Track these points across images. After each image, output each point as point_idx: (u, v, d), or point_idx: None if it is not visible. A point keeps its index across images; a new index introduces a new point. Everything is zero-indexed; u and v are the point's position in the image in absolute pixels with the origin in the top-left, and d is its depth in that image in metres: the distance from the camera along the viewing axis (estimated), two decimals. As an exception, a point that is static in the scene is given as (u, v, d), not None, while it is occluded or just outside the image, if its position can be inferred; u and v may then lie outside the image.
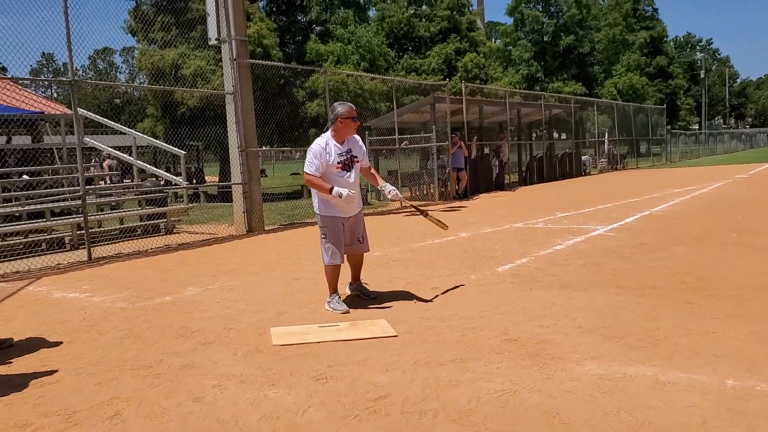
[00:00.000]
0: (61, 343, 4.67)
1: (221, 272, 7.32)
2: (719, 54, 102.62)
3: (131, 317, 5.37)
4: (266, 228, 11.37)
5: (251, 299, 5.84)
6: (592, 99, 31.99)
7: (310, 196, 19.85)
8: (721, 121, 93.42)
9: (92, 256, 8.52)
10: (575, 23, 51.69)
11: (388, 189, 5.52)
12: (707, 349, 3.86)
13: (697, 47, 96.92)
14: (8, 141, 14.27)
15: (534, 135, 24.61)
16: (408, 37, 32.44)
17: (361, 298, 5.62)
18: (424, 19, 32.66)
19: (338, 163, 5.29)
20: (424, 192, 16.83)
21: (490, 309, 5.07)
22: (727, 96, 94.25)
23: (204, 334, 4.75)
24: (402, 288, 5.96)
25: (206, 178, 27.84)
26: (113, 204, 11.55)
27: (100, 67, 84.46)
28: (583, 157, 26.19)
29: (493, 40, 58.99)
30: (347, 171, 5.34)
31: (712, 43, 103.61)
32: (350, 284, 5.82)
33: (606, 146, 29.46)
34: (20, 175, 11.25)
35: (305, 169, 5.27)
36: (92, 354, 4.37)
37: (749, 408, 2.99)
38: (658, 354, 3.82)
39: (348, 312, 5.18)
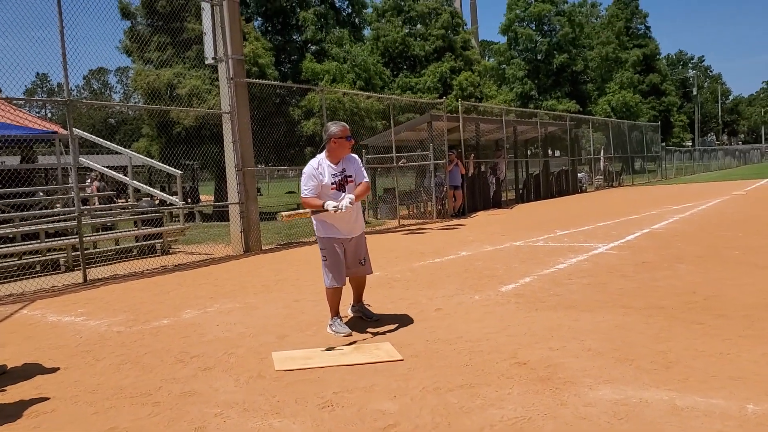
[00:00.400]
0: (57, 369, 4.54)
1: (219, 294, 7.19)
2: (711, 71, 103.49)
3: (128, 342, 5.24)
4: (263, 248, 11.25)
5: (251, 322, 5.71)
6: (587, 116, 32.10)
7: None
8: (714, 137, 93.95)
9: (87, 278, 8.38)
10: (568, 42, 51.99)
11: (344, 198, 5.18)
12: (722, 371, 3.75)
13: (689, 64, 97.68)
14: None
15: (529, 152, 24.59)
16: (403, 56, 32.53)
17: (364, 321, 5.50)
18: (418, 38, 32.79)
19: (332, 183, 5.18)
20: (422, 210, 16.75)
21: (497, 331, 4.96)
22: (719, 112, 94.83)
23: (204, 359, 4.62)
24: (405, 309, 5.85)
25: (201, 197, 27.73)
26: (108, 224, 11.41)
27: (95, 87, 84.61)
28: (579, 174, 26.19)
29: (487, 58, 59.24)
30: (342, 191, 5.22)
31: (704, 60, 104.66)
32: (352, 306, 5.71)
33: (602, 163, 29.49)
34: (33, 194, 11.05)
35: (301, 194, 5.19)
36: (89, 381, 4.24)
37: (774, 435, 2.89)
38: (673, 377, 3.72)
39: (350, 335, 5.07)
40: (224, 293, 7.22)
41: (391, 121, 15.32)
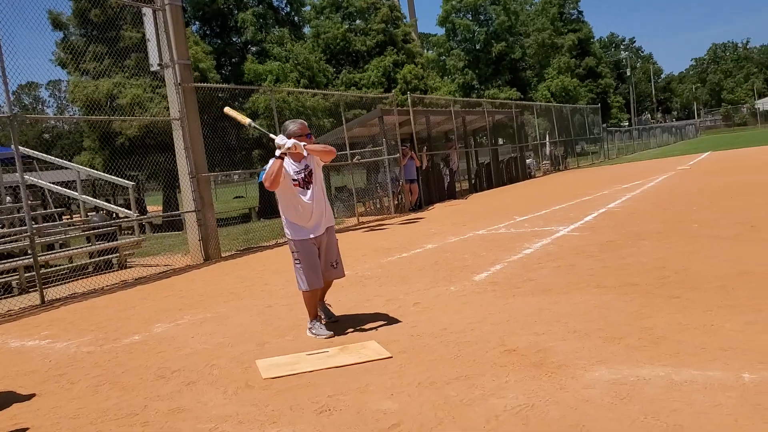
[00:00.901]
0: (31, 396, 4.33)
1: (187, 305, 7.01)
2: (642, 52, 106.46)
3: (102, 362, 5.04)
4: (223, 255, 11.03)
5: (227, 332, 5.57)
6: (531, 103, 32.58)
7: (259, 218, 19.50)
8: (649, 116, 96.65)
9: (45, 299, 8.06)
10: (505, 30, 52.73)
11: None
12: (711, 343, 3.81)
13: (621, 46, 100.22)
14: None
15: (474, 142, 24.79)
16: (345, 52, 32.38)
17: (341, 321, 5.40)
18: (359, 34, 32.71)
19: (294, 180, 5.08)
20: (379, 206, 16.72)
21: (479, 320, 4.95)
22: (653, 91, 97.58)
23: (185, 373, 4.47)
24: (383, 306, 5.79)
25: (147, 208, 27.09)
26: (60, 242, 11.01)
27: (26, 102, 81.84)
28: (527, 161, 26.56)
29: (426, 51, 59.61)
30: (306, 189, 5.13)
31: (635, 41, 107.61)
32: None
33: (548, 148, 29.97)
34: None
35: (264, 181, 5.03)
36: (68, 406, 4.06)
37: (775, 402, 2.94)
38: (664, 353, 3.76)
39: (333, 336, 4.98)
40: (192, 304, 7.03)
41: (343, 118, 15.22)
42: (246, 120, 5.39)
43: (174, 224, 19.97)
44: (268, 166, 5.02)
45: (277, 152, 4.92)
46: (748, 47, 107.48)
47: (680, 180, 16.31)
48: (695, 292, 4.99)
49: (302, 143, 4.97)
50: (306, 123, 5.24)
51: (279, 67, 25.64)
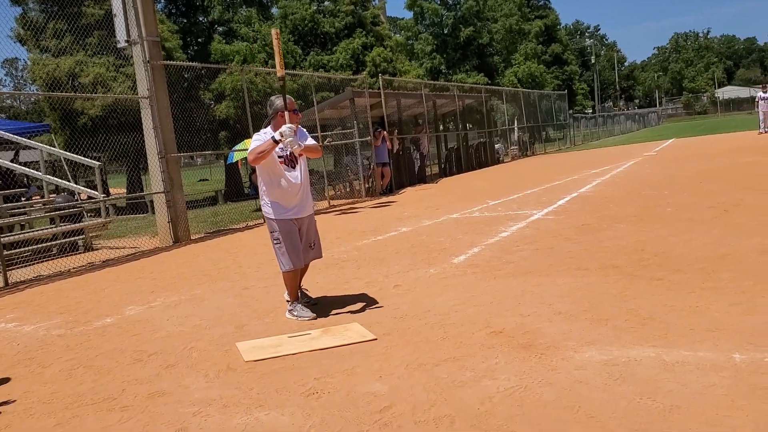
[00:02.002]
0: (2, 380, 4.15)
1: (159, 287, 6.83)
2: (607, 39, 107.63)
3: (73, 345, 4.87)
4: (192, 237, 10.82)
5: (204, 314, 5.43)
6: (500, 88, 32.65)
7: (226, 201, 19.16)
8: (611, 104, 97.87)
9: (9, 281, 7.79)
10: (473, 15, 52.63)
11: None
12: (698, 324, 3.82)
13: (586, 34, 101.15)
14: None
15: (444, 126, 24.77)
16: (313, 34, 31.93)
17: (322, 303, 5.30)
18: (328, 15, 32.29)
19: (280, 158, 4.95)
20: (350, 189, 16.59)
21: (462, 302, 4.90)
22: (616, 79, 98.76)
23: (163, 356, 4.34)
24: (363, 288, 5.71)
25: (110, 189, 26.50)
26: (22, 223, 10.67)
27: (-20, 80, 79.38)
28: (496, 146, 26.63)
29: (395, 34, 59.34)
30: (292, 168, 5.02)
31: (599, 29, 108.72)
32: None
33: (516, 134, 30.10)
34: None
35: (248, 154, 4.89)
36: (40, 390, 3.90)
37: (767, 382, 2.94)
38: (652, 334, 3.75)
39: (315, 318, 4.89)
40: (165, 286, 6.86)
41: (314, 100, 15.02)
42: (281, 72, 5.06)
43: (139, 207, 19.57)
44: (255, 143, 4.87)
45: (276, 136, 4.74)
46: (708, 37, 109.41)
47: (648, 166, 16.50)
48: (678, 275, 5.00)
49: (297, 143, 4.82)
50: (293, 99, 5.09)
51: (246, 48, 25.22)
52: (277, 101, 4.97)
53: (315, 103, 14.82)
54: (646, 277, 5.06)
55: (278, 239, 5.04)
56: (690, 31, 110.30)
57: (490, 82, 47.28)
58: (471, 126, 26.41)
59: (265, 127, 5.08)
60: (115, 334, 5.05)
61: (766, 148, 17.20)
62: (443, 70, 52.51)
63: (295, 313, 4.98)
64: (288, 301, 5.14)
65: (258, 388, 3.56)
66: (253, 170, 16.87)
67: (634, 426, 2.66)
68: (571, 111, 44.73)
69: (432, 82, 30.89)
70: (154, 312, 5.69)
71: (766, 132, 23.28)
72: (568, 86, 56.29)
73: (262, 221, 12.36)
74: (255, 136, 5.01)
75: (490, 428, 2.79)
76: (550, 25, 60.97)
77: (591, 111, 66.67)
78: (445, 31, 53.54)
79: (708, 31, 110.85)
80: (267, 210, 5.09)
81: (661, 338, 3.66)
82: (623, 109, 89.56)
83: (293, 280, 5.08)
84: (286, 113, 4.86)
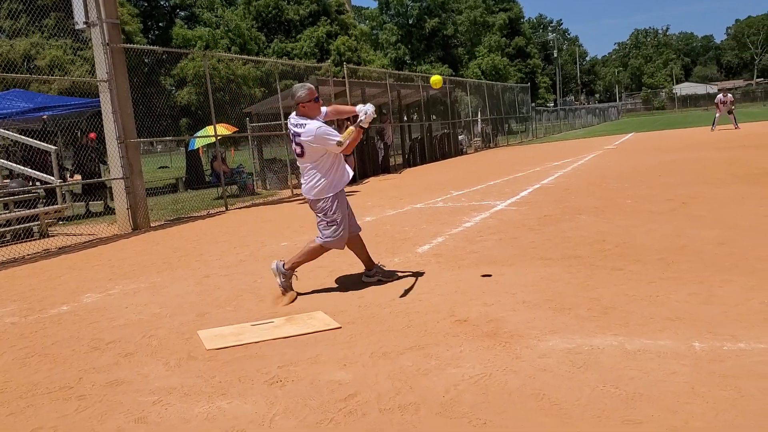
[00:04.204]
0: (-50, 370, 4.00)
1: (118, 275, 6.68)
2: (569, 34, 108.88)
3: (28, 333, 4.72)
4: (152, 225, 10.62)
5: (163, 302, 5.33)
6: (464, 79, 32.77)
7: (187, 189, 18.79)
8: (573, 98, 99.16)
9: (-41, 268, 7.54)
10: (438, 6, 52.76)
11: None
12: (658, 313, 3.87)
13: (549, 28, 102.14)
14: None
15: (408, 117, 24.78)
16: (277, 21, 31.63)
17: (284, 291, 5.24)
18: (292, 2, 32.00)
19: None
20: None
21: (427, 291, 4.90)
22: (578, 73, 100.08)
23: (122, 344, 4.24)
24: (327, 277, 5.67)
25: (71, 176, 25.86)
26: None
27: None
28: (459, 137, 26.75)
29: (360, 23, 59.12)
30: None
31: (562, 23, 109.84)
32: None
33: (479, 125, 30.28)
34: None
35: (338, 144, 4.84)
36: (-8, 380, 3.77)
37: (729, 370, 2.99)
38: (614, 322, 3.79)
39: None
40: (123, 274, 6.72)
41: (278, 87, 14.85)
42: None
43: (95, 193, 19.13)
44: (330, 135, 4.90)
45: (361, 118, 5.02)
46: (667, 34, 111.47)
47: (608, 159, 16.75)
48: (637, 265, 5.08)
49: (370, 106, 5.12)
50: (312, 87, 5.10)
51: (209, 33, 24.87)
52: (301, 91, 4.98)
53: (279, 91, 14.65)
54: (607, 267, 5.12)
55: (337, 218, 5.03)
56: (650, 27, 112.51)
57: (454, 73, 47.48)
58: (435, 117, 26.49)
59: (298, 117, 5.02)
60: (71, 322, 4.92)
61: (720, 144, 17.60)
62: (408, 61, 52.56)
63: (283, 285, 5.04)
64: (284, 267, 5.05)
65: (220, 377, 3.50)
66: (215, 158, 16.64)
67: (597, 413, 2.68)
68: (533, 104, 45.17)
69: (397, 72, 30.86)
70: (112, 300, 5.57)
71: (737, 128, 23.73)
72: (530, 79, 56.85)
73: (224, 209, 12.22)
74: (318, 123, 4.95)
75: (456, 416, 2.79)
76: (513, 18, 61.47)
77: (553, 104, 67.48)
78: (410, 22, 53.57)
79: (667, 28, 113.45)
80: (327, 189, 5.00)
81: (623, 327, 3.70)
82: (584, 103, 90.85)
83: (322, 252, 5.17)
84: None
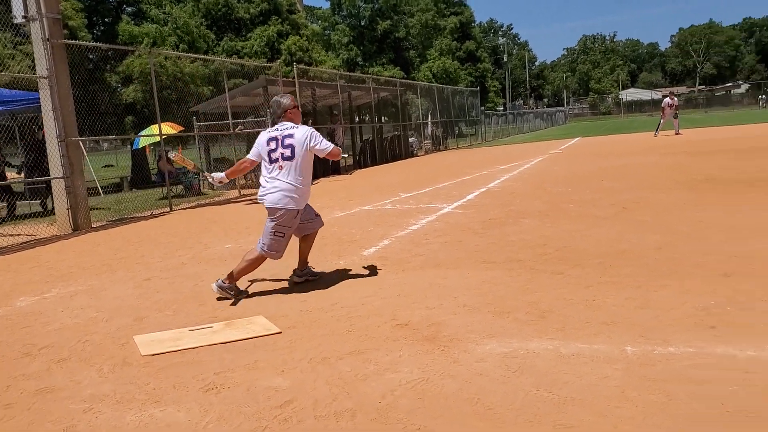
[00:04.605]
0: None
1: (55, 277, 6.49)
2: (519, 39, 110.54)
3: (-45, 339, 4.54)
4: (94, 225, 10.36)
5: (101, 305, 5.19)
6: (414, 82, 32.95)
7: (131, 188, 18.40)
8: (522, 102, 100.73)
9: None
10: (390, 8, 52.96)
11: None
12: (594, 317, 3.95)
13: (500, 32, 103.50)
14: None
15: (359, 118, 24.80)
16: (227, 19, 31.24)
17: (228, 296, 5.17)
18: (242, 1, 31.66)
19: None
20: (260, 179, 16.31)
21: (370, 294, 4.89)
22: (527, 78, 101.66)
23: (55, 349, 4.11)
24: (270, 281, 5.61)
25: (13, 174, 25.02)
26: None
27: None
28: (410, 139, 26.87)
29: (312, 23, 58.84)
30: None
31: (512, 28, 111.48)
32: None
33: (429, 128, 30.47)
34: None
35: (331, 149, 5.16)
36: None
37: (659, 374, 3.06)
38: (551, 326, 3.85)
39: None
40: (61, 276, 6.52)
41: (225, 86, 14.66)
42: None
43: (35, 193, 18.56)
44: (325, 142, 5.19)
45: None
46: (614, 40, 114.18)
47: (554, 163, 17.05)
48: (577, 269, 5.17)
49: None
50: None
51: (156, 30, 24.42)
52: (284, 100, 5.22)
53: (226, 90, 14.47)
54: (547, 270, 5.20)
55: (283, 233, 5.09)
56: (597, 33, 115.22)
57: (406, 76, 47.69)
58: (386, 119, 26.57)
59: (285, 122, 5.17)
60: (3, 327, 4.75)
61: (663, 149, 18.09)
62: (360, 62, 52.58)
63: (232, 292, 5.09)
64: (225, 282, 5.09)
65: (154, 383, 3.43)
66: (161, 157, 16.32)
67: (530, 417, 2.71)
68: (483, 108, 45.70)
69: (348, 73, 30.84)
70: (47, 303, 5.40)
71: (678, 134, 24.35)
72: (480, 83, 57.51)
73: (168, 209, 12.01)
74: (312, 130, 5.17)
75: (391, 421, 2.79)
76: (464, 22, 62.08)
77: (502, 108, 68.40)
78: (363, 23, 53.62)
79: (614, 35, 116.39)
80: (297, 200, 5.04)
81: (560, 331, 3.76)
82: (533, 108, 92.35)
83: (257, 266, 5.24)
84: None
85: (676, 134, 24.09)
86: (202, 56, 21.52)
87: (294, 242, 5.35)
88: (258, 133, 15.64)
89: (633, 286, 4.54)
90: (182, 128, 15.68)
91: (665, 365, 3.17)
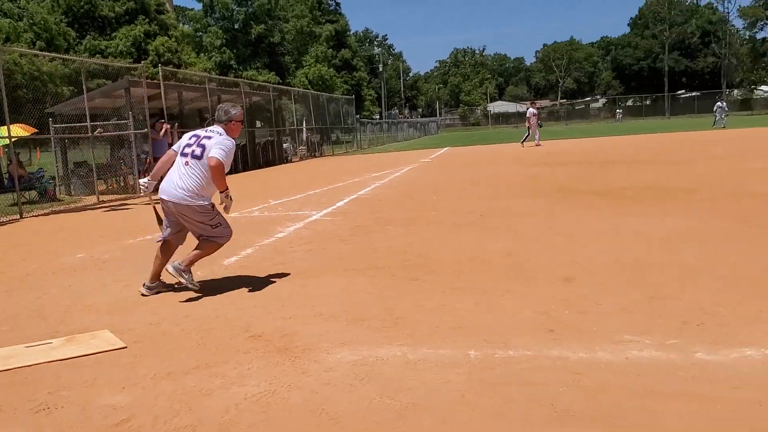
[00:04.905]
0: None
1: None
2: (394, 49, 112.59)
3: None
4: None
5: (-75, 323, 4.74)
6: (289, 88, 32.75)
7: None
8: (398, 111, 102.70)
9: None
10: (264, 12, 52.39)
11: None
12: (444, 323, 4.06)
13: (375, 42, 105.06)
14: None
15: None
16: (90, 16, 29.65)
17: (75, 308, 4.88)
18: (107, -2, 30.23)
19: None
20: (122, 184, 15.60)
21: (225, 306, 4.78)
22: (402, 88, 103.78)
23: None
24: (120, 292, 5.35)
25: None
26: None
27: None
28: (284, 145, 26.65)
29: (183, 24, 57.08)
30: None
31: (387, 38, 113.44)
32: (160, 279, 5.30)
33: (304, 134, 30.37)
34: None
35: (223, 158, 4.94)
36: None
37: (496, 377, 3.18)
38: (402, 333, 3.92)
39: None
40: None
41: (84, 87, 13.89)
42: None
43: None
44: (230, 151, 5.09)
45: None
46: (484, 54, 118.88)
47: (423, 171, 17.49)
48: (433, 275, 5.30)
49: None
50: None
51: (10, 25, 22.79)
52: (233, 110, 5.18)
53: (85, 91, 13.71)
54: (406, 277, 5.30)
55: (214, 219, 5.16)
56: (468, 47, 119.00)
57: (281, 81, 47.33)
58: (261, 124, 26.20)
59: (217, 127, 5.17)
60: None
61: (525, 160, 19.02)
62: (234, 66, 51.59)
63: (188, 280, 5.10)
64: (184, 271, 5.10)
65: (-23, 407, 3.16)
66: (10, 161, 15.20)
67: (370, 426, 2.74)
68: (358, 116, 46.17)
69: (220, 77, 30.17)
70: None
71: (536, 145, 25.57)
72: (356, 91, 58.13)
73: (18, 217, 11.20)
74: (231, 142, 5.10)
75: (232, 437, 2.72)
76: (340, 31, 62.57)
77: (378, 117, 69.39)
78: (236, 26, 52.65)
79: (483, 49, 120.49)
80: (202, 199, 5.02)
81: (410, 336, 3.84)
82: (407, 117, 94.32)
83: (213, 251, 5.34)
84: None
85: (537, 145, 25.35)
86: (59, 55, 20.30)
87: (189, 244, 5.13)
88: (119, 136, 14.96)
89: (481, 292, 4.72)
90: (35, 130, 14.67)
91: (505, 369, 3.30)
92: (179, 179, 4.99)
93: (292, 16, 60.97)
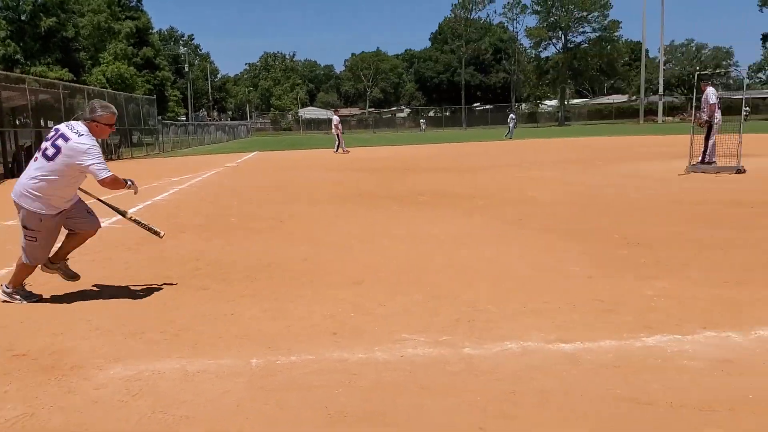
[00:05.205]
0: None
1: None
2: (201, 50, 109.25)
3: None
4: None
5: None
6: (83, 86, 30.54)
7: None
8: (206, 113, 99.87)
9: None
10: (56, 5, 48.38)
11: None
12: (229, 332, 3.99)
13: (180, 41, 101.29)
14: None
15: (18, 122, 22.23)
16: None
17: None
18: None
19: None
20: None
21: (-13, 323, 4.33)
22: (210, 90, 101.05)
23: None
24: None
25: None
26: None
27: None
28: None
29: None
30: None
31: (194, 38, 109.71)
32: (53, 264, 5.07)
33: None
34: None
35: (102, 174, 4.64)
36: None
37: (275, 384, 3.19)
38: (183, 344, 3.80)
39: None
40: None
41: None
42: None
43: None
44: (99, 153, 4.71)
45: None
46: (294, 60, 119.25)
47: (227, 176, 17.14)
48: (223, 283, 5.20)
49: None
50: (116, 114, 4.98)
51: None
52: (102, 111, 4.82)
53: None
54: (194, 286, 5.15)
55: (36, 236, 4.73)
56: (278, 52, 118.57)
57: (76, 78, 44.00)
58: (52, 123, 24.14)
59: (79, 123, 4.79)
60: None
61: (334, 166, 19.32)
62: (20, 60, 47.09)
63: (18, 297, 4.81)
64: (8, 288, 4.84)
65: None
66: None
67: (136, 443, 2.62)
68: (161, 117, 44.19)
69: (3, 72, 27.38)
70: None
71: (344, 152, 26.00)
72: (159, 91, 55.48)
73: None
74: (90, 140, 4.66)
75: (-25, 469, 2.46)
76: (141, 28, 59.43)
77: (185, 118, 66.87)
78: (23, 18, 48.10)
79: (294, 54, 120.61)
80: (39, 207, 4.64)
81: (191, 348, 3.73)
82: (216, 120, 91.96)
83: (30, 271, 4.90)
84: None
85: (345, 152, 25.92)
86: None
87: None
88: None
89: (272, 298, 4.71)
90: None
91: (285, 374, 3.32)
92: (25, 173, 4.71)
93: (89, 10, 56.80)
